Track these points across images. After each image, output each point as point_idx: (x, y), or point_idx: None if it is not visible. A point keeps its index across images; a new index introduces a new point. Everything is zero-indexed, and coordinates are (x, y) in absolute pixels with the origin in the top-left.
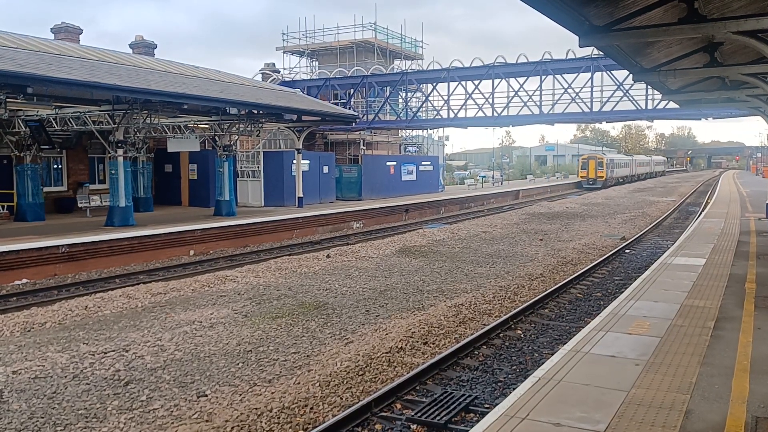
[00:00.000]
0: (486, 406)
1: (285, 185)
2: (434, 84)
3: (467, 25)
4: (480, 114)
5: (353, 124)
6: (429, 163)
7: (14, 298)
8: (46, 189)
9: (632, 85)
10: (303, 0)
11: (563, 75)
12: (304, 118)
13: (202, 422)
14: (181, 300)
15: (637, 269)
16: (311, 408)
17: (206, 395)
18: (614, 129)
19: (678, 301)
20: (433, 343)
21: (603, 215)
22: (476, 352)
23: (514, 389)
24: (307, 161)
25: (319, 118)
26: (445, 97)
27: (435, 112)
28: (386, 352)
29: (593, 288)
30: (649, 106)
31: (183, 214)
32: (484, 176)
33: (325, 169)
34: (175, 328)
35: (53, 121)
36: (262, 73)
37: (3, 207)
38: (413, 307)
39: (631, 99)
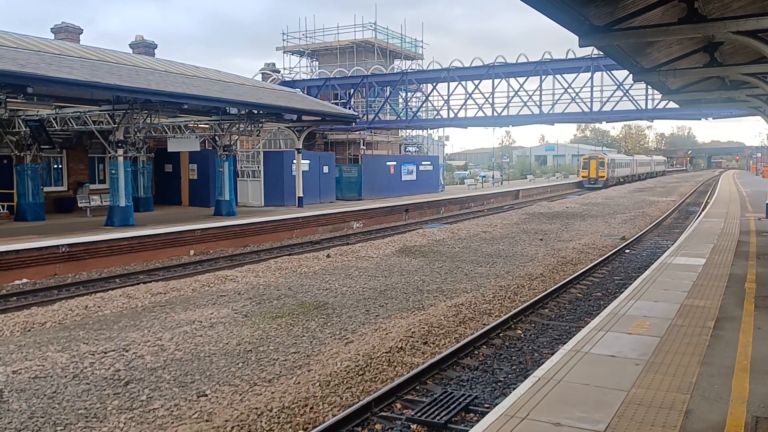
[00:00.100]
0: (486, 405)
1: (285, 185)
2: (434, 84)
3: (467, 25)
4: (480, 114)
5: (353, 123)
6: (429, 163)
7: (14, 298)
8: (46, 189)
9: (632, 85)
10: (303, 0)
11: (563, 75)
12: (304, 118)
13: (202, 422)
14: (181, 300)
15: (637, 269)
16: (311, 408)
17: (206, 395)
18: (614, 129)
19: (678, 301)
20: (433, 343)
21: (603, 215)
22: (476, 352)
23: (514, 389)
24: (307, 161)
25: (319, 118)
26: (445, 97)
27: (435, 112)
28: (386, 352)
29: (593, 288)
30: (649, 106)
31: (183, 213)
32: (484, 176)
33: (325, 169)
34: (175, 327)
35: (53, 121)
36: (262, 73)
37: (3, 207)
38: (413, 306)
39: (631, 99)
